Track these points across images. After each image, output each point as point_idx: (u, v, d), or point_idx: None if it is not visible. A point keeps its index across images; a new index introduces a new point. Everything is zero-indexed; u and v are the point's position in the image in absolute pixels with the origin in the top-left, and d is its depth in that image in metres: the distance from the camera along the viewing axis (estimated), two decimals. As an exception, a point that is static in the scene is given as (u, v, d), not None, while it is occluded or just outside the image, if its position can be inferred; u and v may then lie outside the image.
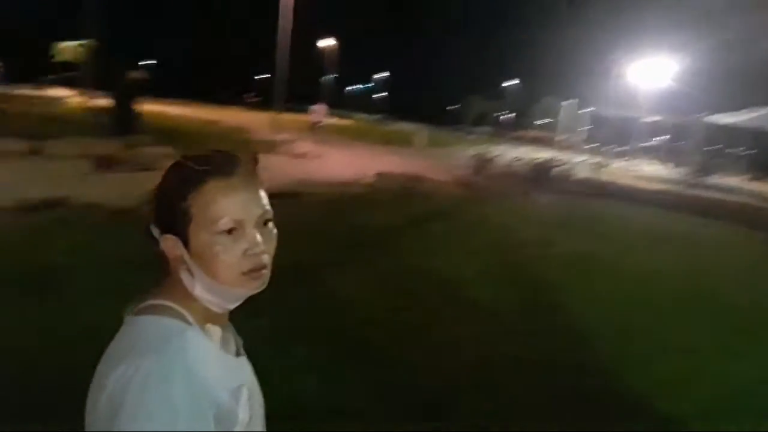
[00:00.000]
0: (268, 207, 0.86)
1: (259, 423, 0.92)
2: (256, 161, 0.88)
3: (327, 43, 51.24)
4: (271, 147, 16.42)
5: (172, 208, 0.82)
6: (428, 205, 8.82)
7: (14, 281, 3.80)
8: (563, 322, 4.49)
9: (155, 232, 0.85)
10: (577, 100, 38.44)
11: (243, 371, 0.91)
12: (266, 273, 0.85)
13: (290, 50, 25.47)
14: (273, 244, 0.87)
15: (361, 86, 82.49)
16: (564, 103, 40.29)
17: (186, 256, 0.83)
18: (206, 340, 0.83)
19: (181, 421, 0.73)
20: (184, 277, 0.85)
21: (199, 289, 0.84)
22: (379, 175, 11.30)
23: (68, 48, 24.16)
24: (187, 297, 0.85)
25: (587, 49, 47.45)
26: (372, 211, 7.81)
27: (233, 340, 0.95)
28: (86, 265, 4.25)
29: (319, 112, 23.23)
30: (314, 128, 21.64)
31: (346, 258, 5.50)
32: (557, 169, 16.20)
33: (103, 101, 24.85)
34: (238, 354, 0.94)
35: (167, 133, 13.21)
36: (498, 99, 68.25)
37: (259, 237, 0.84)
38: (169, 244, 0.84)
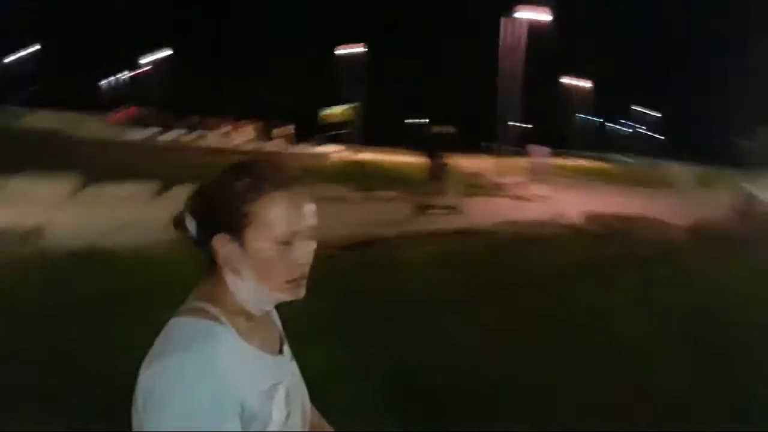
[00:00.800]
0: (317, 222, 0.91)
1: (299, 422, 0.94)
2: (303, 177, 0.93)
3: (572, 81, 49.00)
4: (494, 190, 16.42)
5: (231, 211, 0.86)
6: (629, 249, 7.57)
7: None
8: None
9: (198, 227, 0.89)
10: None
11: (281, 370, 0.92)
12: (305, 283, 0.91)
13: (525, 93, 25.10)
14: (312, 257, 0.92)
15: (623, 125, 76.11)
16: None
17: (237, 256, 0.87)
18: (238, 339, 0.86)
19: (202, 418, 0.75)
20: (229, 276, 0.88)
21: (244, 288, 0.88)
22: (589, 215, 10.24)
23: (336, 112, 28.36)
24: (223, 298, 0.88)
25: None
26: (552, 253, 7.08)
27: (275, 339, 0.98)
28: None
29: (537, 153, 22.13)
30: (533, 170, 20.70)
31: (487, 298, 5.11)
32: None
33: (368, 155, 28.42)
34: (280, 352, 0.96)
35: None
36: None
37: (309, 249, 0.89)
38: (222, 243, 0.87)
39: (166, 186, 9.88)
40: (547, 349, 4.06)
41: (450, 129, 14.21)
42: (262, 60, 42.54)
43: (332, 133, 31.38)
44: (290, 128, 30.13)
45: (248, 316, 0.90)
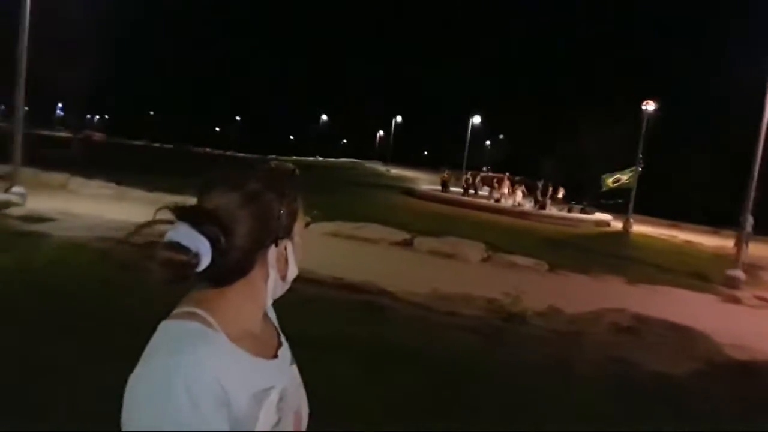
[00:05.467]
0: None
1: (290, 428, 0.95)
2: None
3: None
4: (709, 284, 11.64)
5: (285, 216, 0.93)
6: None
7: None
8: None
9: (232, 247, 0.86)
10: None
11: (277, 374, 0.93)
12: None
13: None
14: None
15: None
16: None
17: (291, 252, 0.95)
18: (228, 342, 0.86)
19: (182, 419, 0.75)
20: (269, 277, 0.93)
21: (290, 275, 0.97)
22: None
23: (622, 178, 24.92)
24: (217, 303, 0.88)
25: None
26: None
27: (271, 343, 0.99)
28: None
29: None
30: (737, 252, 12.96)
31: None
32: None
33: (643, 228, 23.84)
34: (275, 356, 0.97)
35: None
36: None
37: None
38: (282, 249, 0.94)
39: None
40: None
41: None
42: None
43: (607, 201, 27.65)
44: (560, 190, 28.16)
45: (246, 321, 0.91)
